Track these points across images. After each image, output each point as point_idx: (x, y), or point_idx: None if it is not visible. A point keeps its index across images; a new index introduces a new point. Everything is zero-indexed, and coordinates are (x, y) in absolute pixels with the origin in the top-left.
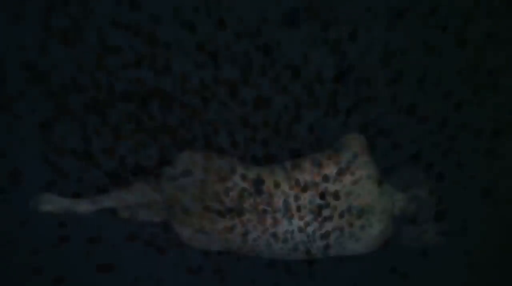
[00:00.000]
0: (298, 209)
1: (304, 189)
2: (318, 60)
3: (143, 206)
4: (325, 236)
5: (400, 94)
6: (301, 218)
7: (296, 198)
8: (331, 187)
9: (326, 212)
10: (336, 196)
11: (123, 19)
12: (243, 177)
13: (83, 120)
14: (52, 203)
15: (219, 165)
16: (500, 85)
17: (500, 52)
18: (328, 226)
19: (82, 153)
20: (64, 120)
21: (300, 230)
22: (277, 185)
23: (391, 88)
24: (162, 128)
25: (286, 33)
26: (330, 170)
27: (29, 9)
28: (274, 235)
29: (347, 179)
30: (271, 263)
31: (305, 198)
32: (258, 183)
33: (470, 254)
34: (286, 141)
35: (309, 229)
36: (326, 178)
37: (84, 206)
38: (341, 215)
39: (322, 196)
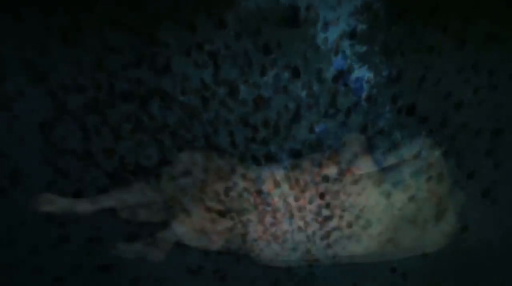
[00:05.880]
0: (298, 209)
1: (304, 189)
2: (318, 60)
3: (143, 206)
4: (325, 236)
5: (400, 94)
6: (301, 218)
7: (296, 198)
8: (331, 187)
9: (326, 212)
10: (336, 196)
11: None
12: (243, 177)
13: (83, 120)
14: (52, 203)
15: (219, 165)
16: (500, 85)
17: (500, 52)
18: (328, 226)
19: (82, 153)
20: (64, 120)
21: (300, 230)
22: (277, 185)
23: (391, 88)
24: (162, 128)
25: (286, 33)
26: (330, 170)
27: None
28: (274, 235)
29: (347, 179)
30: (271, 263)
31: (305, 198)
32: (258, 183)
33: (470, 254)
34: (286, 141)
35: (309, 229)
36: (326, 178)
37: (84, 206)
38: (341, 216)
39: (322, 196)
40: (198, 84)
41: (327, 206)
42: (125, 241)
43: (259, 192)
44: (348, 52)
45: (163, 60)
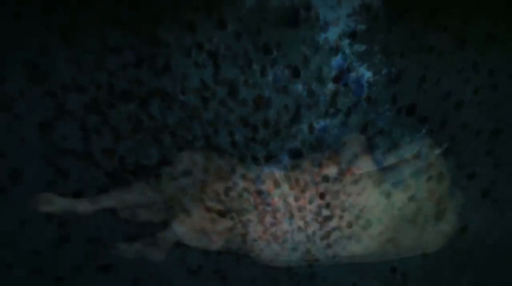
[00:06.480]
0: (298, 209)
1: (304, 189)
2: (318, 60)
3: (143, 206)
4: (325, 236)
5: (400, 94)
6: (301, 218)
7: (296, 198)
8: (331, 187)
9: (326, 212)
10: (336, 196)
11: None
12: (243, 177)
13: (83, 120)
14: (52, 203)
15: (219, 165)
16: (500, 85)
17: (500, 52)
18: (328, 226)
19: (82, 153)
20: (64, 120)
21: (300, 230)
22: (277, 185)
23: (391, 88)
24: (162, 128)
25: (286, 33)
26: (330, 170)
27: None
28: (274, 235)
29: (347, 179)
30: (271, 263)
31: (305, 198)
32: (258, 183)
33: (470, 254)
34: (286, 141)
35: (309, 229)
36: (326, 178)
37: (84, 206)
38: (341, 216)
39: (322, 196)
40: (198, 84)
41: (327, 206)
42: (125, 241)
43: (259, 192)
44: (348, 52)
45: (163, 60)
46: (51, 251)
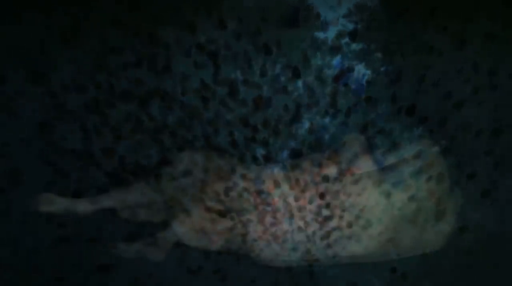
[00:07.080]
0: (298, 209)
1: (304, 189)
2: (318, 60)
3: (143, 206)
4: (325, 236)
5: (400, 94)
6: (301, 218)
7: (296, 198)
8: (331, 187)
9: (326, 212)
10: (336, 196)
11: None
12: (243, 177)
13: (83, 120)
14: (52, 203)
15: (219, 165)
16: (500, 85)
17: (500, 52)
18: (328, 226)
19: (82, 153)
20: (64, 120)
21: (300, 230)
22: (277, 185)
23: (391, 88)
24: (162, 128)
25: (286, 33)
26: (330, 170)
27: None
28: (274, 235)
29: (347, 179)
30: (271, 263)
31: (305, 198)
32: (258, 183)
33: (470, 254)
34: (286, 141)
35: (309, 229)
36: (326, 178)
37: (84, 206)
38: (341, 216)
39: (322, 196)
40: (198, 84)
41: (327, 206)
42: (125, 241)
43: (259, 192)
44: (348, 52)
45: (163, 60)
46: (51, 251)
